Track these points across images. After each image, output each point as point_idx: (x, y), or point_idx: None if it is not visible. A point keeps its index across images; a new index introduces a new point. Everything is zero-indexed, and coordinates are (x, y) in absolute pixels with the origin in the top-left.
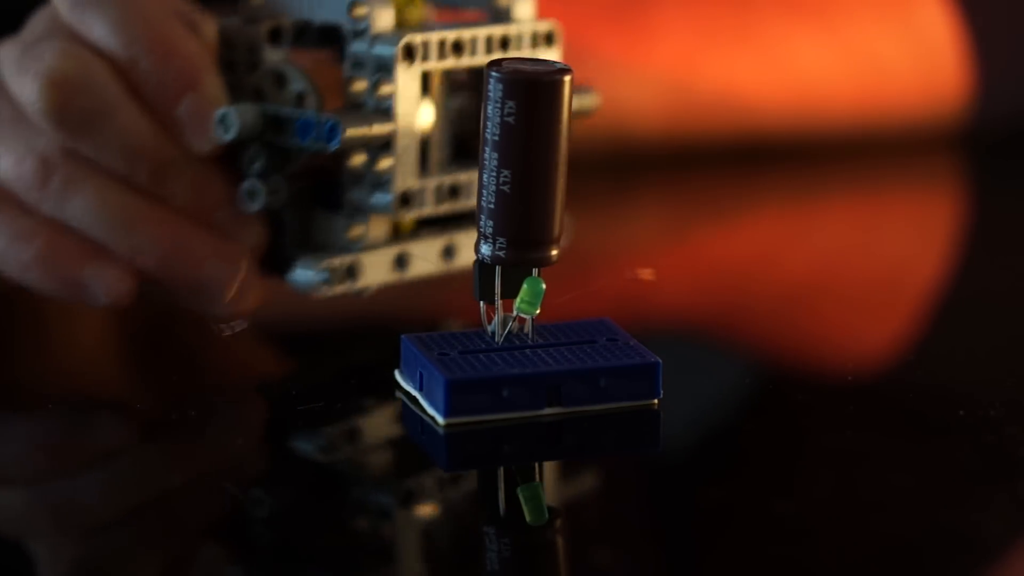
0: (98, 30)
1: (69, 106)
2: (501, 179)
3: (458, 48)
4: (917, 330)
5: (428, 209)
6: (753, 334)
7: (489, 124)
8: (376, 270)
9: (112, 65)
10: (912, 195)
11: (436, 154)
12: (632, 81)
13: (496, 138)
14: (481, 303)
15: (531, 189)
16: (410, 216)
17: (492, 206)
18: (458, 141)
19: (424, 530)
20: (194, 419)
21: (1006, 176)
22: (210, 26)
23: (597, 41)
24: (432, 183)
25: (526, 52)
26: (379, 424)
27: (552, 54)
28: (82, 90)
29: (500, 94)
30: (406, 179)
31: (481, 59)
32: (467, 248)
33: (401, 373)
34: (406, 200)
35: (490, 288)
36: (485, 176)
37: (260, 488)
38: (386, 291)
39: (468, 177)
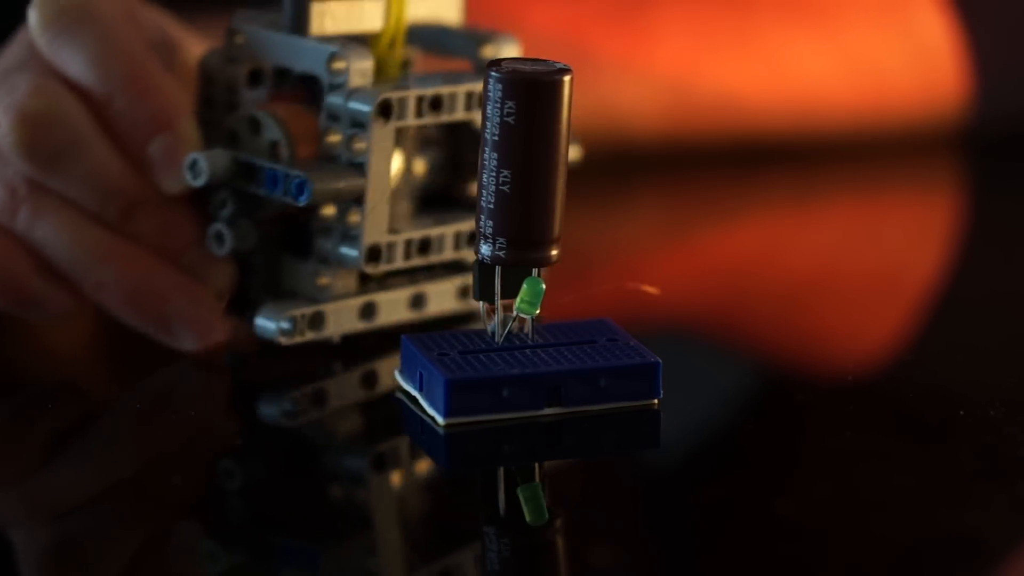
0: (75, 66)
1: (40, 142)
2: (501, 179)
3: (436, 105)
4: (916, 330)
5: (398, 264)
6: (753, 334)
7: (489, 124)
8: (342, 319)
9: (86, 101)
10: (910, 196)
11: (402, 205)
12: (632, 83)
13: (496, 138)
14: (481, 303)
15: (531, 189)
16: (376, 272)
17: (492, 206)
18: (427, 194)
19: (424, 530)
20: (193, 418)
21: (1003, 177)
22: (190, 43)
23: (597, 43)
24: (402, 238)
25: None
26: (379, 424)
27: None
28: (54, 126)
29: (500, 94)
30: (375, 234)
31: (460, 115)
32: (436, 297)
33: (401, 373)
34: (375, 254)
35: (490, 288)
36: (485, 176)
37: (258, 488)
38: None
39: (438, 232)
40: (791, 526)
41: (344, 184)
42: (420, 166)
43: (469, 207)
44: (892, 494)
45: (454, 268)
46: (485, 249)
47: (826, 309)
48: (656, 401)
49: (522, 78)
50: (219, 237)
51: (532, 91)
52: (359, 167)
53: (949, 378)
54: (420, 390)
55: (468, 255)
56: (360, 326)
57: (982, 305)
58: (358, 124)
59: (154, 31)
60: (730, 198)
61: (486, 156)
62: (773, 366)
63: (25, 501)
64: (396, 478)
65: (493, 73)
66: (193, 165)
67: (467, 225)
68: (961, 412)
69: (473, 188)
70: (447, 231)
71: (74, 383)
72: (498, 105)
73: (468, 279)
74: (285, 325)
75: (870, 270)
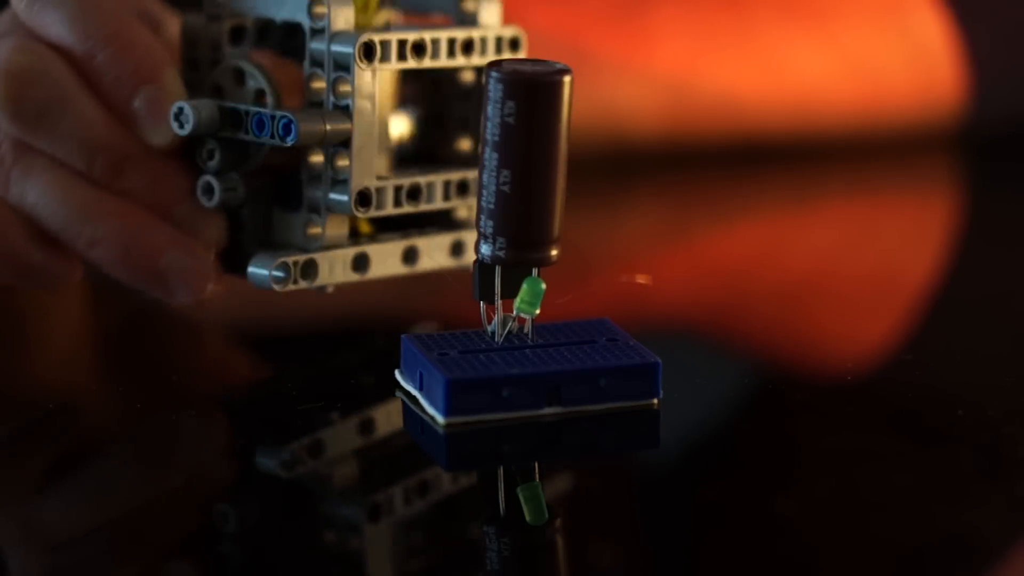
0: (55, 26)
1: (24, 98)
2: (501, 179)
3: (419, 50)
4: (915, 330)
5: (388, 210)
6: (752, 334)
7: (489, 124)
8: (334, 269)
9: (69, 60)
10: (908, 196)
11: (395, 155)
12: (631, 84)
13: (496, 138)
14: (481, 303)
15: (531, 189)
16: (367, 216)
17: (492, 206)
18: (415, 153)
19: (424, 530)
20: (185, 422)
21: (1001, 177)
22: (173, 24)
23: (597, 44)
24: (391, 183)
25: (490, 57)
26: (379, 424)
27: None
28: (38, 82)
29: (500, 94)
30: (364, 178)
31: (443, 62)
32: (428, 252)
33: (401, 373)
34: (364, 199)
35: (490, 288)
36: (485, 176)
37: (259, 489)
38: (386, 291)
39: (428, 180)
40: (790, 526)
41: (330, 125)
42: (402, 122)
43: (458, 163)
44: (891, 494)
45: (445, 225)
46: (485, 249)
47: (825, 309)
48: (656, 401)
49: (522, 78)
50: (208, 189)
51: (532, 91)
52: (344, 110)
53: (948, 378)
54: (420, 390)
55: (458, 205)
56: (353, 277)
57: (980, 305)
58: (342, 67)
59: (135, 3)
60: (729, 198)
61: (486, 156)
62: (773, 366)
63: (18, 529)
64: (393, 524)
65: (494, 73)
66: (179, 114)
67: (457, 175)
68: (960, 412)
69: (460, 143)
70: (437, 179)
71: (73, 409)
72: (498, 105)
73: (460, 235)
74: (278, 272)
75: (868, 270)
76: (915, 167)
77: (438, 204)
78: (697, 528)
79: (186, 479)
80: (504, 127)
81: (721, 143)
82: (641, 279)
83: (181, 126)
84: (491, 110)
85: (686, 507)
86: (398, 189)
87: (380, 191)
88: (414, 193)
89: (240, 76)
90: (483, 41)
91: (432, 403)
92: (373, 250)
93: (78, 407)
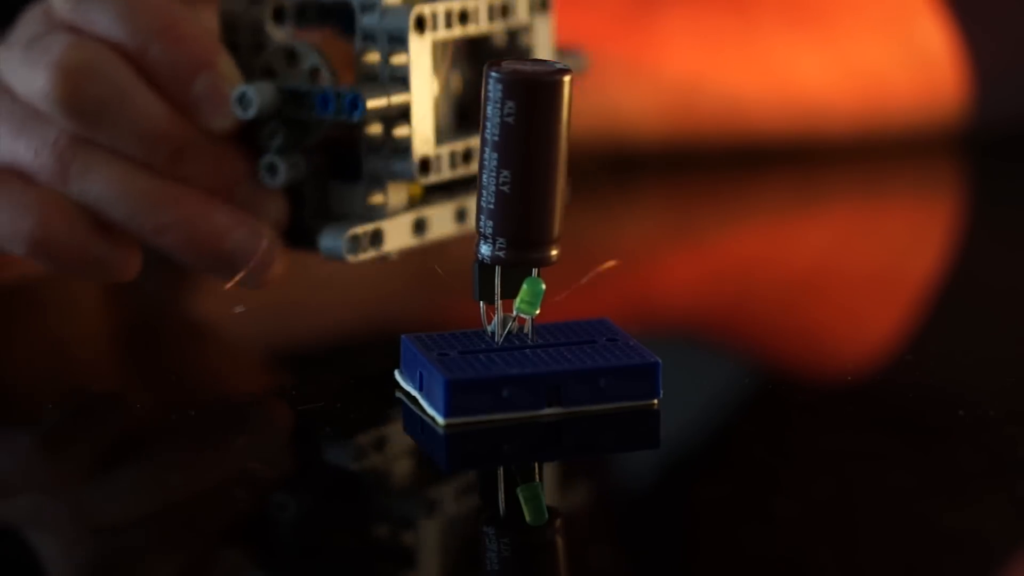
0: (103, 23)
1: (83, 94)
2: (501, 179)
3: (464, 18)
4: (916, 331)
5: (445, 174)
6: (753, 335)
7: (489, 124)
8: (398, 236)
9: (122, 54)
10: (910, 199)
11: (442, 122)
12: (637, 88)
13: (496, 138)
14: (481, 303)
15: (531, 189)
16: (428, 182)
17: (492, 206)
18: (461, 111)
19: (424, 530)
20: (197, 420)
21: (1002, 179)
22: (211, 12)
23: (603, 48)
24: (446, 149)
25: (523, 19)
26: (379, 424)
27: (546, 20)
28: (95, 77)
29: (500, 94)
30: (424, 145)
31: (484, 27)
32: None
33: (401, 373)
34: (425, 166)
35: (490, 288)
36: (485, 176)
37: (260, 489)
38: (387, 292)
39: (478, 141)
40: (791, 526)
41: (394, 97)
42: (456, 80)
43: None
44: (891, 494)
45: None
46: (485, 249)
47: (826, 310)
48: (656, 401)
49: (522, 78)
50: (271, 168)
51: (532, 91)
52: (402, 81)
53: (949, 378)
54: (420, 390)
55: None
56: (413, 242)
57: (982, 306)
58: (395, 40)
59: None
60: (733, 201)
61: (486, 156)
62: (773, 366)
63: (71, 511)
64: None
65: (493, 73)
66: (242, 98)
67: None
68: (961, 412)
69: None
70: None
71: (133, 395)
72: (498, 105)
73: None
74: (349, 244)
75: (870, 272)
76: (917, 170)
77: None
78: (697, 528)
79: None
80: (504, 127)
81: (725, 147)
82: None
83: (245, 110)
84: (491, 110)
85: (686, 507)
86: (452, 154)
87: (438, 157)
88: (467, 156)
89: (292, 56)
90: (515, 4)
91: (432, 403)
92: (429, 213)
93: (89, 408)
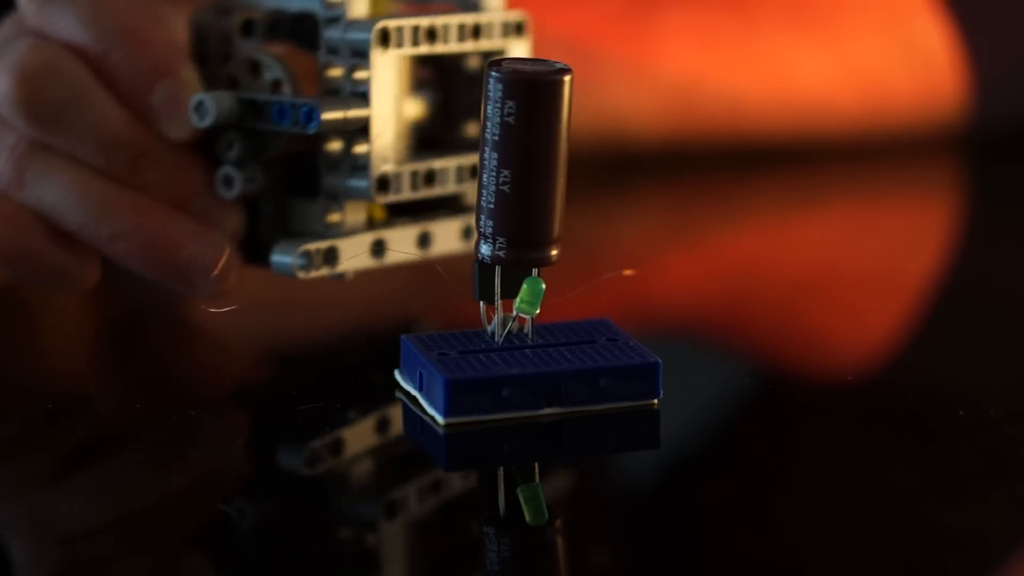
0: (67, 26)
1: (41, 97)
2: (501, 179)
3: (432, 35)
4: (916, 331)
5: (405, 195)
6: (753, 334)
7: (489, 124)
8: (353, 255)
9: (83, 58)
10: (910, 199)
11: (403, 144)
12: (637, 88)
13: (496, 138)
14: (481, 303)
15: (531, 189)
16: (386, 201)
17: (492, 206)
18: (427, 135)
19: (424, 531)
20: (185, 421)
21: (1002, 179)
22: (181, 20)
23: (603, 48)
24: (408, 168)
25: (496, 42)
26: (378, 424)
27: (522, 44)
28: (54, 81)
29: (500, 94)
30: (382, 163)
31: (453, 47)
32: (441, 236)
33: (401, 373)
34: (384, 184)
35: (490, 288)
36: (485, 176)
37: (257, 491)
38: (387, 292)
39: (442, 164)
40: (791, 526)
41: (351, 112)
42: (416, 107)
43: (464, 148)
44: (892, 494)
45: (455, 209)
46: (485, 249)
47: (826, 310)
48: (656, 401)
49: (522, 78)
50: (228, 180)
51: (532, 91)
52: (363, 97)
53: (949, 378)
54: (420, 390)
55: (470, 188)
56: (371, 263)
57: (982, 306)
58: (359, 54)
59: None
60: (733, 201)
61: (486, 156)
62: (773, 366)
63: (31, 523)
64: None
65: (493, 73)
66: (199, 106)
67: (469, 159)
68: (961, 412)
69: (466, 130)
70: (450, 164)
71: (90, 404)
72: (498, 105)
73: (470, 220)
74: (301, 260)
75: (870, 271)
76: (917, 170)
77: (451, 188)
78: (697, 528)
79: (186, 478)
80: (504, 127)
81: (725, 147)
82: (627, 272)
83: (201, 118)
84: (491, 110)
85: (686, 507)
86: (414, 174)
87: (398, 176)
88: (430, 178)
89: (256, 68)
90: (490, 25)
91: (432, 403)
92: (389, 235)
93: (82, 404)
